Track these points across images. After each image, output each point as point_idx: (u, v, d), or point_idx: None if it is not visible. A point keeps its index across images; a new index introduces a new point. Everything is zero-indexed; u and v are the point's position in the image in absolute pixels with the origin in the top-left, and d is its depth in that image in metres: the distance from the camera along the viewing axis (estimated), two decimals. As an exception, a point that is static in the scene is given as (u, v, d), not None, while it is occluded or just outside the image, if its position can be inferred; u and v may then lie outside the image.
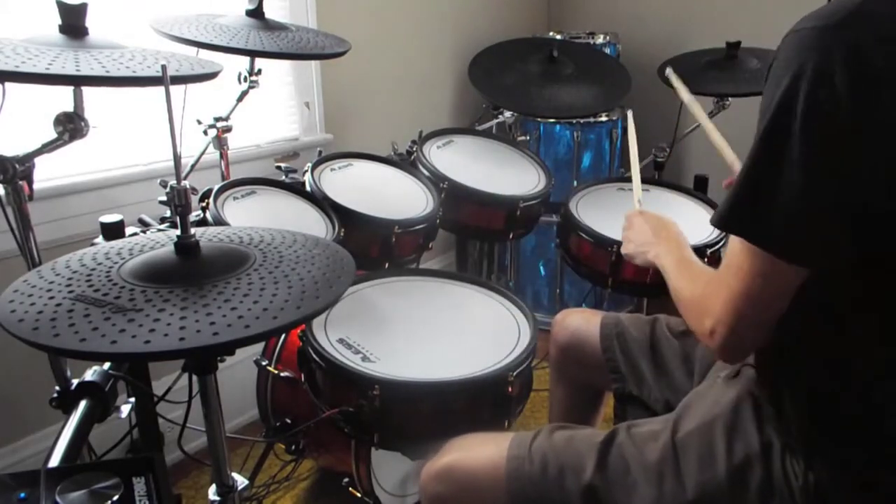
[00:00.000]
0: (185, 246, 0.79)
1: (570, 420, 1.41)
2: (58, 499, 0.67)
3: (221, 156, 1.59)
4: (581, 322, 1.33)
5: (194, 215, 1.30)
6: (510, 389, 1.13)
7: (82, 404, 1.01)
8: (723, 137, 1.42)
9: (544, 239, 2.59)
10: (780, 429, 0.88)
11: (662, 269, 1.07)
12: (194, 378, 0.83)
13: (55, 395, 1.05)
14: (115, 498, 0.68)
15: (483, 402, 1.14)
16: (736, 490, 0.87)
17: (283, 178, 1.57)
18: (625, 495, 0.92)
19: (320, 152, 1.68)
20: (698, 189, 1.92)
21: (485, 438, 1.04)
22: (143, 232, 1.25)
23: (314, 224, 1.43)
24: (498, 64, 2.08)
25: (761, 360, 0.92)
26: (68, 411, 1.00)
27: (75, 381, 1.04)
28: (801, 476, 0.84)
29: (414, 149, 1.81)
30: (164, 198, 1.31)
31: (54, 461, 0.89)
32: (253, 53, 1.37)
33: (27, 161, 1.02)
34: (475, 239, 2.47)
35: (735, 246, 0.79)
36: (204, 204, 1.34)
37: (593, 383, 1.36)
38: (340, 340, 1.19)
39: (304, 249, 0.88)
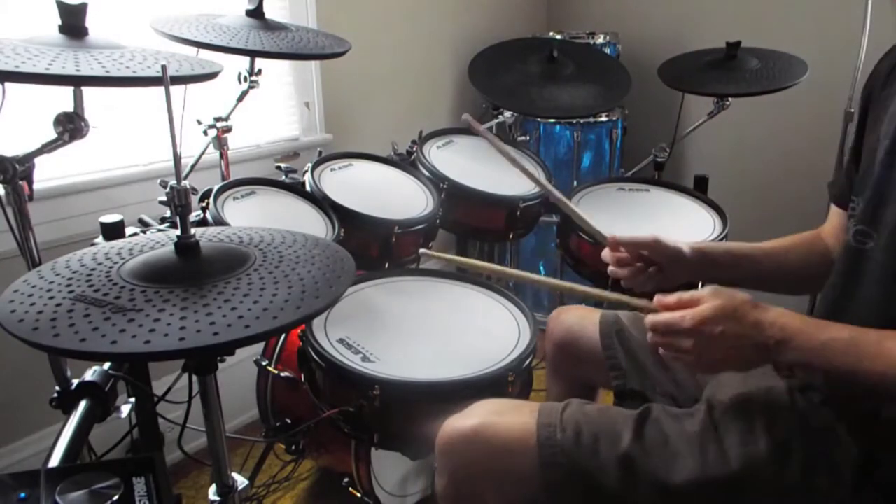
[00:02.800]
0: (185, 246, 0.79)
1: None
2: (58, 499, 0.67)
3: (221, 156, 1.59)
4: (576, 319, 1.32)
5: (194, 215, 1.30)
6: (510, 389, 1.13)
7: (82, 404, 1.00)
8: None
9: (544, 239, 2.59)
10: (814, 406, 0.90)
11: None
12: (194, 378, 0.83)
13: (55, 395, 1.05)
14: (115, 498, 0.68)
15: (483, 402, 1.14)
16: (778, 464, 0.89)
17: (283, 178, 1.57)
18: (664, 465, 0.92)
19: (320, 152, 1.68)
20: (698, 189, 1.92)
21: (513, 405, 1.02)
22: (143, 232, 1.25)
23: (314, 224, 1.43)
24: (498, 64, 2.08)
25: None
26: (68, 411, 1.00)
27: (75, 381, 1.04)
28: (847, 450, 0.86)
29: (414, 149, 1.81)
30: (164, 198, 1.31)
31: (54, 461, 0.88)
32: (253, 53, 1.37)
33: (27, 161, 1.02)
34: (475, 239, 2.47)
35: None
36: (204, 204, 1.34)
37: (588, 380, 1.35)
38: (340, 340, 1.19)
39: (304, 249, 0.88)
